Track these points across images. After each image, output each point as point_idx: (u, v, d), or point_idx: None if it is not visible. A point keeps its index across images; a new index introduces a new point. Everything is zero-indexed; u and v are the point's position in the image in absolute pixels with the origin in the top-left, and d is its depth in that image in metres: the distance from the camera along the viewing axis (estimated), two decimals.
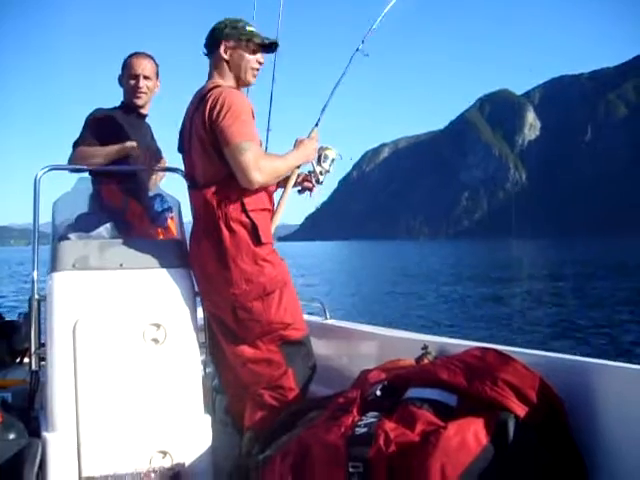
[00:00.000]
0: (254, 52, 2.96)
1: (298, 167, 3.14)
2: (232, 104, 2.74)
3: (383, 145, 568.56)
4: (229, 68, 2.95)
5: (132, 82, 3.38)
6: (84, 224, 3.11)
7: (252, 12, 3.94)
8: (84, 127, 3.32)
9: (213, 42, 2.95)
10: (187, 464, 2.72)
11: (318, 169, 3.21)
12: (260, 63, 3.00)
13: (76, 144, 3.27)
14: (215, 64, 2.96)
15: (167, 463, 2.69)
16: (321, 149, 3.21)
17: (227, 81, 2.94)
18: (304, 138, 3.13)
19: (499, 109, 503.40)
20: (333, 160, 3.25)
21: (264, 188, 2.86)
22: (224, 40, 2.92)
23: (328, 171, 3.25)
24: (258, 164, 2.71)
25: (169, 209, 3.33)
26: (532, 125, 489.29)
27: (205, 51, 2.99)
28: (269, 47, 3.04)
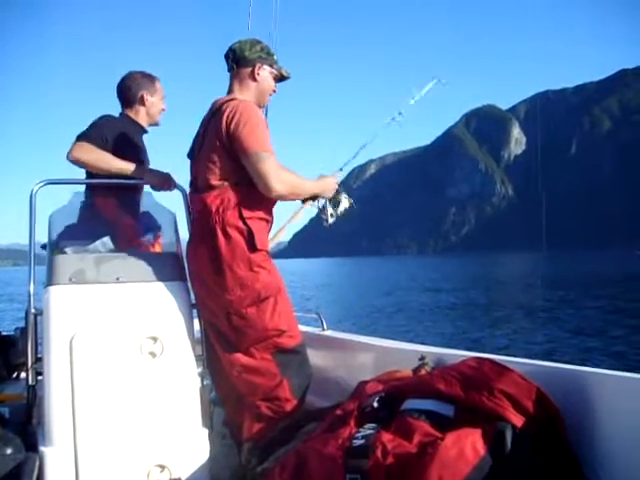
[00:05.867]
0: (274, 80, 3.13)
1: (312, 200, 3.22)
2: (250, 115, 2.83)
3: (370, 161, 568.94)
4: (253, 88, 3.06)
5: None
6: (80, 233, 3.11)
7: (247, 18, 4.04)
8: (92, 126, 3.28)
9: (244, 60, 3.04)
10: (185, 477, 2.71)
11: (329, 210, 3.28)
12: (274, 91, 3.16)
13: (81, 137, 3.21)
14: (240, 80, 3.06)
15: (165, 477, 2.69)
16: (338, 193, 3.30)
17: (247, 98, 3.02)
18: (327, 174, 3.26)
19: (485, 124, 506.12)
20: (345, 208, 3.33)
21: (266, 199, 2.89)
22: (258, 62, 3.04)
23: (338, 216, 3.31)
24: (279, 174, 2.80)
25: (157, 228, 3.34)
26: (517, 140, 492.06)
27: (231, 64, 3.07)
28: (284, 79, 3.20)
